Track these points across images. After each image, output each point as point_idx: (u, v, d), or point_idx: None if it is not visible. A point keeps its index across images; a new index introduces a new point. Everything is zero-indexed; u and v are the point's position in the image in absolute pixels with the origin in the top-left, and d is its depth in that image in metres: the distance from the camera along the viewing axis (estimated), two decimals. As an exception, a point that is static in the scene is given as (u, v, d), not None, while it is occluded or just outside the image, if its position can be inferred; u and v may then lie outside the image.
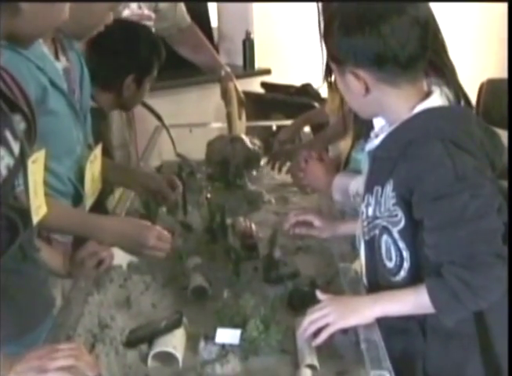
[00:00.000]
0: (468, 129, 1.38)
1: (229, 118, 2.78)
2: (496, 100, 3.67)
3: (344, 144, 2.22)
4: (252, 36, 4.54)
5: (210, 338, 1.45)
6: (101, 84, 2.15)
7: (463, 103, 1.44)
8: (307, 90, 4.04)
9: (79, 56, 1.93)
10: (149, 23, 2.68)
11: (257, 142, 2.65)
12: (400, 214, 1.37)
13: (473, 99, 1.58)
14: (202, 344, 1.44)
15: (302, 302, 1.57)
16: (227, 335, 1.44)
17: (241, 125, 2.81)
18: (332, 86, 1.57)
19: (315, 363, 1.37)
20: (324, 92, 3.09)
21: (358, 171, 1.78)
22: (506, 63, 3.62)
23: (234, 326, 1.46)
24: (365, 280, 1.55)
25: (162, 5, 2.78)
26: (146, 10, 2.72)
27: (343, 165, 2.17)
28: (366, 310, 1.40)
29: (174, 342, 1.43)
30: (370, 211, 1.45)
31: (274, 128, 3.07)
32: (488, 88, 3.83)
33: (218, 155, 2.59)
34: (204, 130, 3.12)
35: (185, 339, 1.47)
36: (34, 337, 1.45)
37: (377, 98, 1.39)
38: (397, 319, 1.41)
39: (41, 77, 1.65)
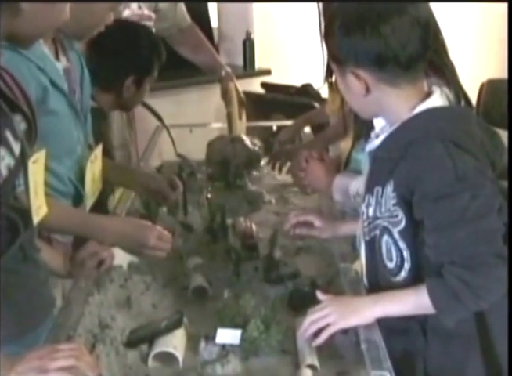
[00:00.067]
0: (468, 129, 1.38)
1: (230, 118, 2.78)
2: (496, 100, 3.67)
3: (345, 144, 2.22)
4: (252, 36, 4.53)
5: (210, 338, 1.45)
6: (101, 84, 2.15)
7: (463, 103, 1.44)
8: (307, 90, 4.03)
9: (79, 56, 1.93)
10: (150, 23, 2.68)
11: (257, 142, 2.65)
12: (400, 214, 1.37)
13: (473, 99, 1.58)
14: (202, 344, 1.44)
15: (303, 303, 1.56)
16: (227, 335, 1.44)
17: (241, 125, 2.81)
18: (332, 86, 1.57)
19: (316, 363, 1.37)
20: (324, 92, 3.08)
21: (358, 172, 1.78)
22: (506, 63, 3.62)
23: (234, 326, 1.46)
24: (365, 280, 1.55)
25: (162, 5, 2.78)
26: (146, 10, 2.72)
27: (343, 165, 2.16)
28: (367, 310, 1.40)
29: (175, 342, 1.43)
30: (371, 211, 1.45)
31: (274, 128, 3.07)
32: (489, 88, 3.83)
33: (218, 155, 2.58)
34: (205, 130, 3.12)
35: (186, 339, 1.47)
36: (34, 337, 1.45)
37: (378, 98, 1.39)
38: (397, 319, 1.41)
39: (42, 77, 1.65)
